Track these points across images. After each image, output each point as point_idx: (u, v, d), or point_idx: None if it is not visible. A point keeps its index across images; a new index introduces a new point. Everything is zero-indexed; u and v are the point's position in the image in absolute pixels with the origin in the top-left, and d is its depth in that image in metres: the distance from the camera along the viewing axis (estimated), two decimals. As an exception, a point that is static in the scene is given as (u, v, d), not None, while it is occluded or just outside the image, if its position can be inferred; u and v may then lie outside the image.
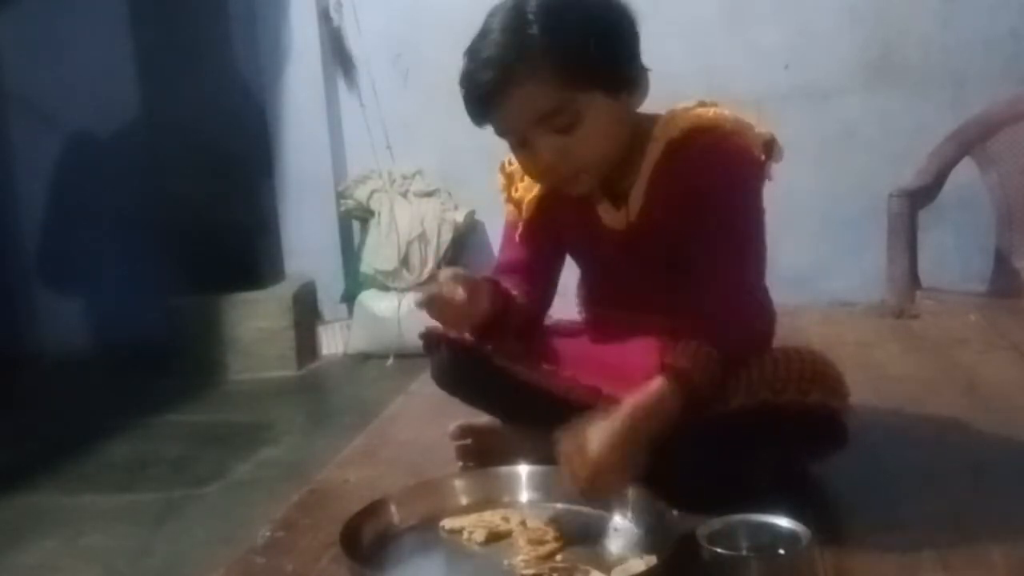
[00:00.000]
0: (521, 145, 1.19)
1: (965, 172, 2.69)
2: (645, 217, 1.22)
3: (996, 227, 2.64)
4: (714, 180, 1.17)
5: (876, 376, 1.60)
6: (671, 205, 1.20)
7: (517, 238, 1.33)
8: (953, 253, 3.21)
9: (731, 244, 1.18)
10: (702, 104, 1.22)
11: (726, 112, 1.20)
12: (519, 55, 1.13)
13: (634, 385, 1.09)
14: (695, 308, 1.12)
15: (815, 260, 3.33)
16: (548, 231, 1.32)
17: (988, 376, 1.61)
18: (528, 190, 1.30)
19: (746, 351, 1.14)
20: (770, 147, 1.19)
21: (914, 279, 2.46)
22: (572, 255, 1.36)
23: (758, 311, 1.18)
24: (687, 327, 1.10)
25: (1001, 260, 2.59)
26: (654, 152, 1.20)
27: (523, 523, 1.10)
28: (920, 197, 2.55)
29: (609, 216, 1.25)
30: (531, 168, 1.23)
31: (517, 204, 1.32)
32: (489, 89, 1.14)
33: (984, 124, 2.66)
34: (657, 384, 1.07)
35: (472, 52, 1.17)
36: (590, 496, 1.08)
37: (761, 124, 1.20)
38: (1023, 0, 3.36)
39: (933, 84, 3.39)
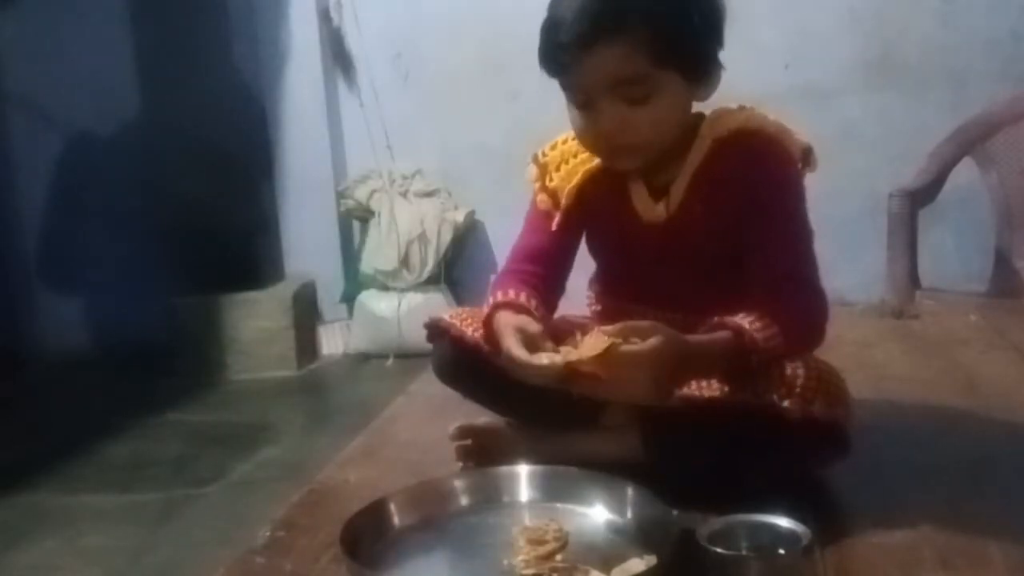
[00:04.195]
0: (585, 105, 1.18)
1: (965, 172, 2.69)
2: (685, 211, 1.23)
3: (996, 227, 2.65)
4: (765, 181, 1.19)
5: (876, 376, 1.60)
6: (714, 201, 1.21)
7: (553, 227, 1.31)
8: (953, 253, 3.20)
9: (788, 241, 1.19)
10: (742, 108, 1.23)
11: (771, 117, 1.22)
12: (620, 15, 1.12)
13: None
14: (756, 302, 1.13)
15: (815, 260, 3.33)
16: (581, 221, 1.31)
17: (988, 376, 1.61)
18: (565, 180, 1.29)
19: (807, 343, 1.16)
20: (807, 156, 1.21)
21: (914, 279, 2.46)
22: (598, 247, 1.36)
23: (820, 307, 1.19)
24: (749, 311, 1.12)
25: (1001, 260, 2.59)
26: (701, 149, 1.21)
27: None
28: (920, 197, 2.55)
29: (646, 208, 1.25)
30: (586, 131, 1.21)
31: (552, 193, 1.31)
32: (579, 40, 1.12)
33: (984, 124, 2.66)
34: (725, 339, 1.10)
35: (566, 1, 1.15)
36: (601, 392, 1.07)
37: (800, 132, 1.22)
38: (1023, 0, 3.36)
39: (933, 84, 3.39)
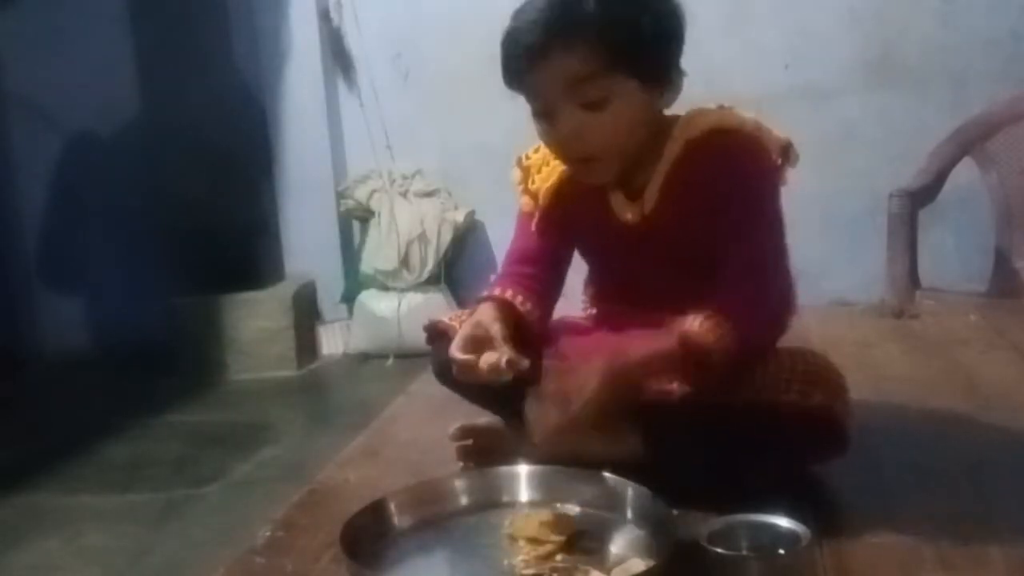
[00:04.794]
0: (546, 114, 1.19)
1: (965, 172, 2.69)
2: (659, 212, 1.23)
3: (996, 227, 2.64)
4: (735, 179, 1.18)
5: (876, 376, 1.60)
6: (687, 201, 1.20)
7: (533, 227, 1.33)
8: (953, 253, 3.20)
9: (754, 238, 1.18)
10: (720, 108, 1.23)
11: (746, 115, 1.21)
12: (569, 21, 1.13)
13: None
14: (717, 296, 1.13)
15: (815, 260, 3.32)
16: (562, 222, 1.32)
17: (988, 376, 1.61)
18: (545, 181, 1.30)
19: (762, 335, 1.15)
20: (786, 152, 1.20)
21: (914, 279, 2.46)
22: (582, 248, 1.36)
23: (780, 296, 1.19)
24: (707, 308, 1.12)
25: (1001, 260, 2.59)
26: (673, 150, 1.21)
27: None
28: (920, 197, 2.55)
29: (622, 209, 1.25)
30: (548, 140, 1.23)
31: (534, 195, 1.32)
32: (532, 48, 1.15)
33: (984, 124, 2.66)
34: (665, 344, 1.11)
35: (521, 11, 1.17)
36: (551, 440, 1.11)
37: (777, 129, 1.21)
38: (1023, 0, 3.36)
39: (933, 84, 3.39)
